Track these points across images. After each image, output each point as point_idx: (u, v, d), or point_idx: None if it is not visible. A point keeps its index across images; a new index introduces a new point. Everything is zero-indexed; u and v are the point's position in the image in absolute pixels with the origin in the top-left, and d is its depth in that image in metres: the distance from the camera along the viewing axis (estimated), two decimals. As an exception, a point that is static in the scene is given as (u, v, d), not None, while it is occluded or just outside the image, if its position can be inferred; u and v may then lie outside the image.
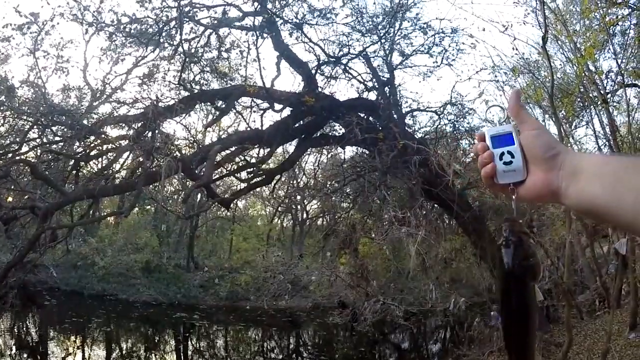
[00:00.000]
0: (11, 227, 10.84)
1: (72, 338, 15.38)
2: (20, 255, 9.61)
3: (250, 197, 27.10)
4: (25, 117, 10.56)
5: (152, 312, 19.05)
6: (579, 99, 11.61)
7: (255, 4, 10.43)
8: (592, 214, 0.76)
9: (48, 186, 10.31)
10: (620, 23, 9.42)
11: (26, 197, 10.58)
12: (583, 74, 9.48)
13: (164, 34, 10.66)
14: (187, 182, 12.18)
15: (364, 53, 11.54)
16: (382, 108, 10.68)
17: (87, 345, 14.73)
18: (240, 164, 11.60)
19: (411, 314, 15.35)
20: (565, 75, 11.99)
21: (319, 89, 11.15)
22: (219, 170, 11.47)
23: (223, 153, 10.70)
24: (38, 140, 10.86)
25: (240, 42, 11.59)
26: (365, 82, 11.85)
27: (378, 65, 11.90)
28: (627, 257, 8.86)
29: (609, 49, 9.72)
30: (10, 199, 11.62)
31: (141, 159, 9.88)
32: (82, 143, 10.86)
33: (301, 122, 11.19)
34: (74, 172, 10.86)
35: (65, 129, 10.72)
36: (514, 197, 0.85)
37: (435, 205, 11.60)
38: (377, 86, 11.53)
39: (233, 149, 10.90)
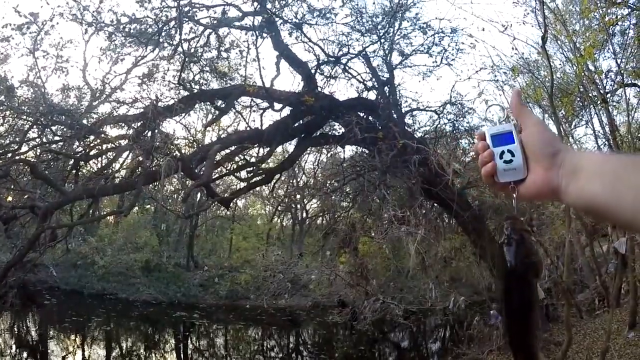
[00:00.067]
0: (11, 226, 10.84)
1: (72, 337, 15.38)
2: (20, 255, 9.62)
3: (250, 196, 27.12)
4: (24, 117, 10.56)
5: (152, 311, 19.06)
6: (578, 99, 11.63)
7: (255, 3, 10.44)
8: (592, 212, 0.77)
9: (48, 186, 10.32)
10: (619, 23, 9.44)
11: (26, 196, 10.58)
12: (582, 74, 9.50)
13: (163, 33, 10.65)
14: (187, 182, 12.17)
15: (364, 53, 11.55)
16: (382, 107, 10.69)
17: (87, 345, 14.74)
18: (240, 163, 11.61)
19: (411, 312, 15.37)
20: (565, 75, 12.02)
21: (319, 89, 11.16)
22: (219, 169, 11.47)
23: (223, 152, 10.71)
24: (38, 139, 10.86)
25: (240, 41, 11.59)
26: (365, 82, 11.86)
27: (377, 65, 11.92)
28: (626, 256, 8.87)
29: (609, 48, 9.74)
30: (10, 198, 11.63)
31: (141, 159, 9.89)
32: (82, 142, 10.86)
33: (301, 121, 11.19)
34: (74, 171, 10.86)
35: (64, 129, 10.72)
36: (514, 195, 0.86)
37: (435, 205, 11.61)
38: (376, 86, 11.54)
39: (233, 148, 10.90)
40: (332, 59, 11.50)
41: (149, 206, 23.10)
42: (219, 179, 14.03)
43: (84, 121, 10.79)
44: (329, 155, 15.01)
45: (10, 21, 10.74)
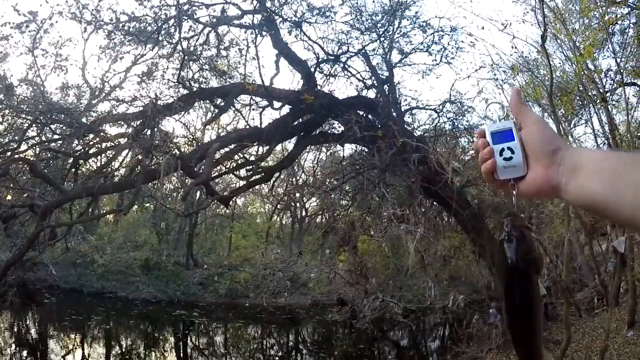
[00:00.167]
0: (10, 225, 10.82)
1: (72, 336, 15.40)
2: (20, 253, 9.62)
3: (249, 194, 27.11)
4: (24, 116, 10.54)
5: (152, 309, 19.08)
6: (578, 98, 11.63)
7: (254, 2, 10.43)
8: (592, 209, 0.77)
9: (47, 184, 10.30)
10: (619, 22, 9.44)
11: (25, 195, 10.57)
12: (582, 73, 9.50)
13: (162, 32, 10.63)
14: (186, 180, 12.18)
15: (363, 51, 11.54)
16: (381, 106, 10.68)
17: (86, 343, 14.75)
18: (240, 162, 11.60)
19: (410, 311, 15.38)
20: (565, 74, 12.02)
21: (318, 87, 11.15)
22: (218, 167, 11.47)
23: (222, 151, 10.70)
24: (37, 138, 10.85)
25: (239, 40, 11.61)
26: (365, 80, 11.85)
27: (377, 64, 11.91)
28: (625, 255, 8.88)
29: (608, 47, 9.75)
30: (9, 197, 11.62)
31: (140, 157, 9.88)
32: (81, 141, 10.85)
33: (300, 119, 11.18)
34: (73, 170, 10.85)
35: (64, 127, 10.71)
36: (514, 192, 0.86)
37: (434, 203, 11.62)
38: (376, 84, 11.53)
39: (232, 146, 10.90)
40: (331, 58, 11.50)
41: (148, 204, 23.15)
42: (218, 178, 14.02)
43: (83, 120, 10.77)
44: (328, 153, 15.03)
45: (9, 20, 10.70)
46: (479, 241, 10.11)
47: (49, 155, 10.91)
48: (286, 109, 11.01)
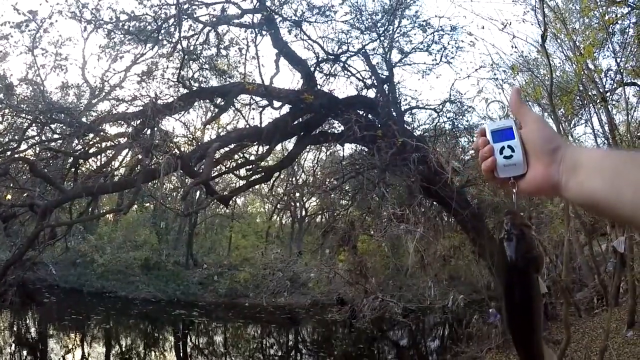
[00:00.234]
0: (10, 224, 10.82)
1: (72, 335, 15.40)
2: (20, 253, 9.62)
3: (249, 194, 27.11)
4: (24, 115, 10.53)
5: (151, 309, 19.08)
6: (578, 97, 11.62)
7: (254, 1, 10.43)
8: (592, 207, 0.77)
9: (47, 184, 10.30)
10: (619, 22, 9.43)
11: (25, 194, 10.56)
12: (582, 73, 9.49)
13: (162, 31, 10.63)
14: (186, 180, 12.18)
15: (363, 50, 11.54)
16: (381, 105, 10.69)
17: (86, 343, 14.75)
18: (239, 161, 11.60)
19: (410, 310, 15.38)
20: (565, 74, 12.01)
21: (318, 87, 11.15)
22: (218, 167, 11.46)
23: (222, 150, 10.69)
24: (37, 138, 10.83)
25: (239, 39, 11.56)
26: (365, 80, 11.85)
27: (377, 63, 11.91)
28: (625, 255, 8.88)
29: (608, 47, 9.74)
30: (9, 196, 11.61)
31: (140, 157, 9.87)
32: (81, 141, 10.84)
33: (300, 119, 11.18)
34: (73, 169, 10.85)
35: (64, 127, 10.70)
36: (514, 190, 0.86)
37: (434, 203, 11.62)
38: (376, 84, 11.53)
39: (232, 146, 10.89)
40: (331, 57, 11.50)
41: (148, 204, 23.15)
42: (218, 177, 14.01)
43: (83, 119, 10.76)
44: (328, 153, 15.03)
45: (9, 19, 10.67)
46: (478, 241, 10.11)
47: (48, 154, 10.90)
48: (286, 109, 11.01)
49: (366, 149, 11.06)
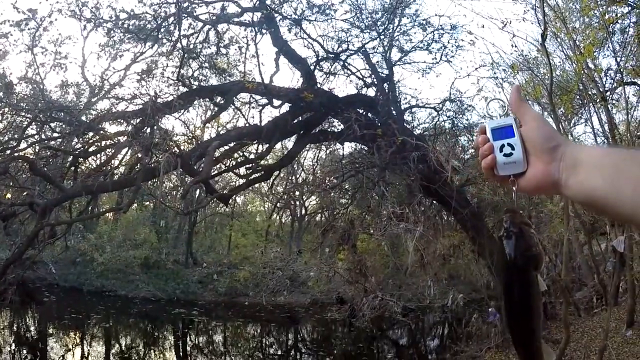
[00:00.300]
0: (10, 223, 10.83)
1: (72, 334, 15.39)
2: (19, 252, 9.62)
3: (249, 193, 27.09)
4: (23, 114, 10.52)
5: (151, 308, 19.08)
6: (577, 97, 11.61)
7: (254, -1, 10.43)
8: (592, 205, 0.77)
9: (47, 183, 10.30)
10: (619, 21, 9.42)
11: (25, 193, 10.56)
12: (582, 72, 9.48)
13: (162, 29, 10.63)
14: (186, 178, 12.17)
15: (363, 49, 11.54)
16: (381, 104, 10.69)
17: (86, 341, 14.75)
18: (239, 160, 11.61)
19: (409, 309, 15.40)
20: (565, 73, 11.99)
21: (318, 85, 11.15)
22: (218, 166, 11.47)
23: (222, 149, 10.70)
24: (36, 136, 10.83)
25: (239, 38, 11.57)
26: (364, 78, 11.86)
27: (377, 62, 11.93)
28: (624, 255, 8.88)
29: (608, 46, 9.72)
30: (9, 195, 11.60)
31: (140, 155, 9.88)
32: (81, 139, 10.84)
33: (300, 118, 11.18)
34: (73, 168, 10.85)
35: (63, 125, 10.69)
36: (514, 188, 0.86)
37: (434, 202, 11.63)
38: (376, 82, 11.54)
39: (232, 144, 10.90)
40: (331, 56, 11.50)
41: (147, 203, 23.14)
42: (218, 176, 14.02)
43: (83, 118, 10.76)
44: (328, 152, 15.05)
45: (8, 17, 10.65)
46: (478, 240, 10.12)
47: (48, 153, 10.90)
48: (286, 107, 11.02)
49: (366, 148, 11.07)
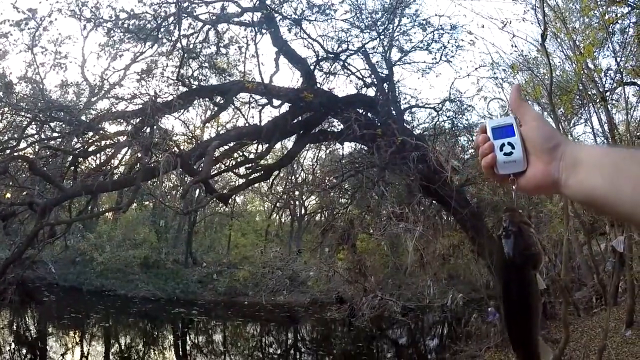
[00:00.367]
0: (10, 223, 10.83)
1: (71, 334, 15.39)
2: (19, 252, 9.61)
3: (248, 192, 27.08)
4: (23, 113, 10.52)
5: (151, 307, 19.07)
6: (577, 97, 11.61)
7: (254, -1, 10.43)
8: (591, 204, 0.78)
9: (46, 182, 10.30)
10: (619, 21, 9.43)
11: (24, 193, 10.55)
12: (582, 72, 9.48)
13: (162, 29, 10.63)
14: (186, 178, 12.18)
15: (363, 49, 11.54)
16: (381, 104, 10.70)
17: (85, 341, 14.74)
18: (239, 160, 11.61)
19: (409, 309, 15.40)
20: (564, 73, 12.00)
21: (318, 85, 11.16)
22: (218, 165, 11.48)
23: (221, 149, 10.70)
24: (36, 136, 10.83)
25: (239, 37, 11.57)
26: (364, 78, 11.86)
27: (377, 62, 11.94)
28: (624, 255, 8.88)
29: (608, 47, 9.73)
30: (8, 195, 11.60)
31: (139, 155, 9.88)
32: (81, 139, 10.84)
33: (300, 117, 11.19)
34: (72, 168, 10.84)
35: (63, 125, 10.69)
36: (514, 187, 0.87)
37: (434, 202, 11.64)
38: (375, 82, 11.54)
39: (231, 144, 10.90)
40: (331, 55, 11.51)
41: (147, 202, 23.14)
42: (217, 175, 14.02)
43: (83, 117, 10.76)
44: (327, 151, 15.06)
45: (8, 17, 10.64)
46: (477, 240, 10.12)
47: (48, 153, 10.90)
48: (286, 107, 11.02)
49: (366, 148, 11.07)
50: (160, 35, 10.69)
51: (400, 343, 15.96)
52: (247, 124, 11.20)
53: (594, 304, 11.12)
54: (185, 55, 10.54)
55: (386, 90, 11.38)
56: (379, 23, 11.47)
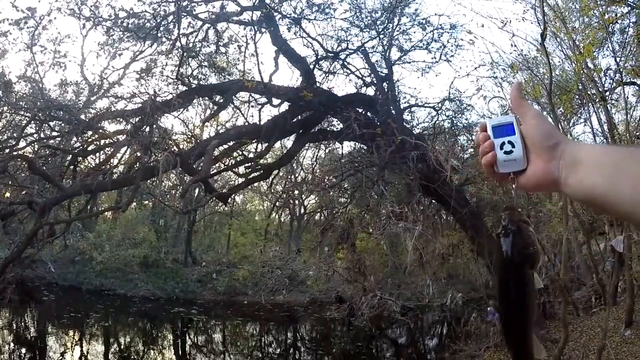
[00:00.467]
0: (9, 222, 10.82)
1: (71, 333, 15.39)
2: (18, 251, 9.61)
3: (248, 191, 27.08)
4: (22, 113, 10.51)
5: (150, 307, 19.07)
6: (577, 97, 11.62)
7: (254, -2, 10.42)
8: (591, 203, 0.78)
9: (46, 181, 10.28)
10: (619, 21, 9.43)
11: (24, 192, 10.55)
12: (581, 72, 9.48)
13: (161, 28, 10.62)
14: (185, 177, 12.18)
15: (363, 48, 11.54)
16: (380, 103, 10.69)
17: (85, 340, 14.74)
18: (238, 159, 11.60)
19: (408, 309, 15.40)
20: (564, 73, 12.00)
21: (317, 84, 11.15)
22: (217, 165, 11.47)
23: (221, 148, 10.70)
24: (35, 135, 10.81)
25: (239, 36, 11.56)
26: (364, 78, 11.86)
27: (376, 61, 11.93)
28: (623, 255, 8.88)
29: (608, 46, 9.73)
30: (7, 194, 11.59)
31: (139, 154, 9.87)
32: (80, 138, 10.82)
33: (299, 117, 11.19)
34: (72, 167, 10.83)
35: (62, 124, 10.68)
36: (514, 186, 0.87)
37: (433, 201, 11.64)
38: (375, 81, 11.54)
39: (231, 143, 10.90)
40: (330, 55, 11.50)
41: (147, 202, 23.12)
42: (217, 175, 14.01)
43: (82, 116, 10.74)
44: (327, 151, 15.03)
45: (7, 16, 10.64)
46: (477, 239, 10.12)
47: (47, 152, 10.89)
48: (285, 106, 11.02)
49: (365, 147, 11.07)
50: (159, 34, 10.68)
51: (399, 342, 15.97)
52: (246, 123, 11.21)
53: (593, 303, 11.13)
54: (185, 54, 10.53)
55: (386, 90, 11.38)
56: (378, 22, 11.47)
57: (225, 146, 10.83)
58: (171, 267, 22.61)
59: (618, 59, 9.80)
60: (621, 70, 9.61)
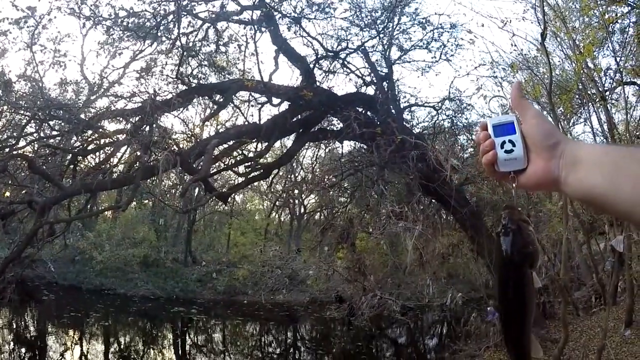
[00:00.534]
0: (9, 222, 10.82)
1: (70, 333, 15.39)
2: (18, 250, 9.61)
3: (247, 191, 27.07)
4: (22, 112, 10.51)
5: (150, 306, 19.07)
6: (577, 96, 11.61)
7: (254, -3, 10.42)
8: (591, 202, 0.78)
9: (46, 181, 10.28)
10: (619, 21, 9.43)
11: (24, 191, 10.55)
12: (582, 71, 9.48)
13: (161, 27, 10.61)
14: (185, 176, 12.17)
15: (363, 48, 11.54)
16: (380, 103, 10.69)
17: (85, 340, 14.74)
18: (238, 158, 11.60)
19: (408, 308, 15.40)
20: (564, 72, 12.00)
21: (317, 84, 11.15)
22: (217, 164, 11.47)
23: (221, 147, 10.69)
24: (35, 134, 10.82)
25: (238, 36, 11.55)
26: (364, 77, 11.86)
27: (376, 60, 11.93)
28: (623, 255, 8.88)
29: (608, 46, 9.73)
30: (7, 193, 11.59)
31: (139, 153, 9.87)
32: (80, 137, 10.82)
33: (299, 116, 11.19)
34: (72, 166, 10.83)
35: (62, 123, 10.68)
36: (514, 185, 0.87)
37: (433, 201, 11.63)
38: (375, 81, 11.54)
39: (231, 143, 10.90)
40: (330, 54, 11.50)
41: (146, 201, 23.09)
42: (217, 174, 14.01)
43: (82, 116, 10.73)
44: (327, 150, 15.05)
45: (7, 15, 10.64)
46: (477, 239, 10.12)
47: (47, 151, 10.89)
48: (285, 106, 11.02)
49: (365, 147, 11.07)
50: (159, 34, 10.68)
51: (399, 342, 15.97)
52: (246, 123, 11.21)
53: (593, 303, 11.12)
54: (185, 53, 10.53)
55: (386, 89, 11.37)
56: (378, 21, 11.47)
57: (225, 145, 10.83)
58: (171, 266, 22.61)
59: (618, 59, 9.80)
60: (621, 70, 9.61)
